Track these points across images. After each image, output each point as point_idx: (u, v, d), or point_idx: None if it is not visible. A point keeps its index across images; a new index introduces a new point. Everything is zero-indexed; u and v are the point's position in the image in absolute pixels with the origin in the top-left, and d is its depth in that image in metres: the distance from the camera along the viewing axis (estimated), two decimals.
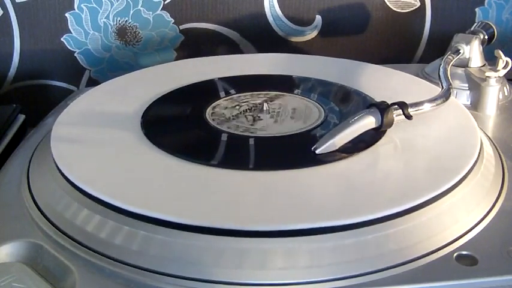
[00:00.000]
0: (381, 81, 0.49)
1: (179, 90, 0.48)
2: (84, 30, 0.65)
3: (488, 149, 0.40)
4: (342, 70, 0.52)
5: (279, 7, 0.66)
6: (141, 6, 0.65)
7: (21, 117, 0.51)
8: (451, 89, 0.43)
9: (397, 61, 0.67)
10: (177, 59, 0.68)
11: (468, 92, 0.50)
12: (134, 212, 0.31)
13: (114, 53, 0.67)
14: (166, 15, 0.66)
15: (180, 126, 0.43)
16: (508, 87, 0.51)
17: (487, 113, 0.48)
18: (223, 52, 0.68)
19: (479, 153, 0.37)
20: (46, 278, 0.30)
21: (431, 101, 0.40)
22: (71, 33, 0.65)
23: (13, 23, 0.64)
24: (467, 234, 0.32)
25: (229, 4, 0.66)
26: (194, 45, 0.67)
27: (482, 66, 0.51)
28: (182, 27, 0.67)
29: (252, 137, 0.40)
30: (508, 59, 0.47)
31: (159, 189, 0.34)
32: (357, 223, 0.30)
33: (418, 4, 0.68)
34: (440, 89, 0.43)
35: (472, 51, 0.51)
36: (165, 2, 0.65)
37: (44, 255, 0.32)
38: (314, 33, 0.68)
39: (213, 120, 0.43)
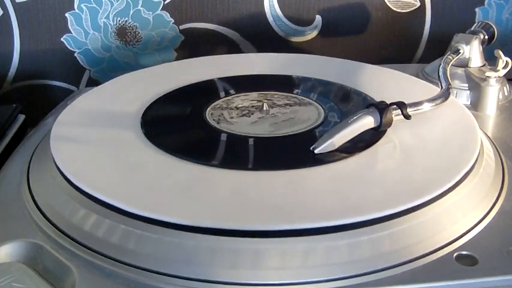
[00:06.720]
0: (381, 81, 0.49)
1: (179, 90, 0.48)
2: (84, 30, 0.65)
3: (488, 149, 0.40)
4: (342, 70, 0.52)
5: (279, 7, 0.66)
6: (141, 6, 0.65)
7: (21, 117, 0.51)
8: (450, 89, 0.43)
9: (397, 61, 0.67)
10: (177, 59, 0.68)
11: (468, 92, 0.50)
12: (133, 213, 0.31)
13: (114, 53, 0.67)
14: (166, 15, 0.66)
15: (180, 126, 0.43)
16: (508, 87, 0.51)
17: (487, 113, 0.48)
18: (223, 52, 0.67)
19: (479, 153, 0.37)
20: (46, 278, 0.30)
21: (430, 101, 0.40)
22: (71, 33, 0.65)
23: (13, 23, 0.64)
24: (467, 234, 0.32)
25: (229, 4, 0.66)
26: (194, 45, 0.67)
27: (482, 66, 0.51)
28: (182, 27, 0.67)
29: (251, 137, 0.40)
30: (508, 59, 0.47)
31: (158, 189, 0.34)
32: (357, 223, 0.30)
33: (418, 4, 0.68)
34: (440, 89, 0.43)
35: (472, 51, 0.51)
36: (165, 2, 0.65)
37: (43, 255, 0.32)
38: (314, 33, 0.68)
39: (213, 120, 0.43)
